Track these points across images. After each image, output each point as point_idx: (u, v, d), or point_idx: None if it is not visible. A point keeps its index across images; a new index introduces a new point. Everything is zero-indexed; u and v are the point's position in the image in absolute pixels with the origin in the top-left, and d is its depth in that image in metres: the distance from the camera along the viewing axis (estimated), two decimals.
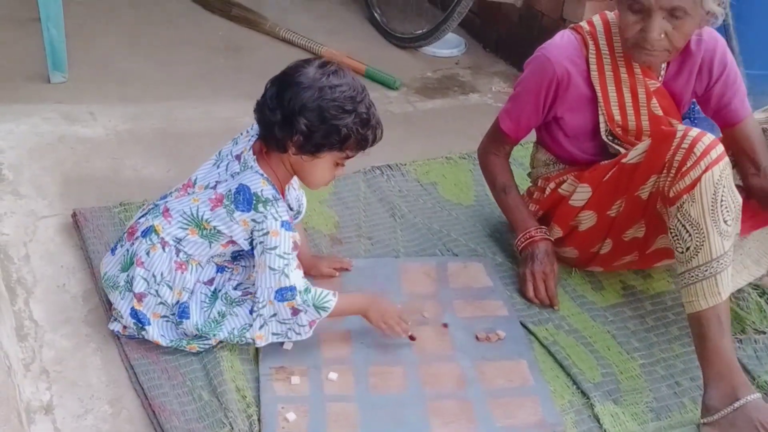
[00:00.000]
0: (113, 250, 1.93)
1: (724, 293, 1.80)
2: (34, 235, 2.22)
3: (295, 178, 1.96)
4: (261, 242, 1.82)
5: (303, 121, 1.75)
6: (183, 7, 3.68)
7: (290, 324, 1.86)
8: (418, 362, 1.92)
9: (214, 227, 1.85)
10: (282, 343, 1.91)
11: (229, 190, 1.83)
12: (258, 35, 3.51)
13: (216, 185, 1.86)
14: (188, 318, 1.85)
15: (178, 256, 1.87)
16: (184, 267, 1.87)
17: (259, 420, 1.74)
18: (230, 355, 1.87)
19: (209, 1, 3.71)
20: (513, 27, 3.48)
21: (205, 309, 1.87)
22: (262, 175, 1.83)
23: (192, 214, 1.86)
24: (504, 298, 2.14)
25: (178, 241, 1.87)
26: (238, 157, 1.87)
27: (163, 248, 1.86)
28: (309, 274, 2.05)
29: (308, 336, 1.88)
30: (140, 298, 1.86)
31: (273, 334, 1.87)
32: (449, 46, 3.55)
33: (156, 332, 1.87)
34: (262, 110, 1.81)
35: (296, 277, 1.83)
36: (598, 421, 1.82)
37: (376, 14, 3.69)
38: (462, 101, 3.20)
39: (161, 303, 1.86)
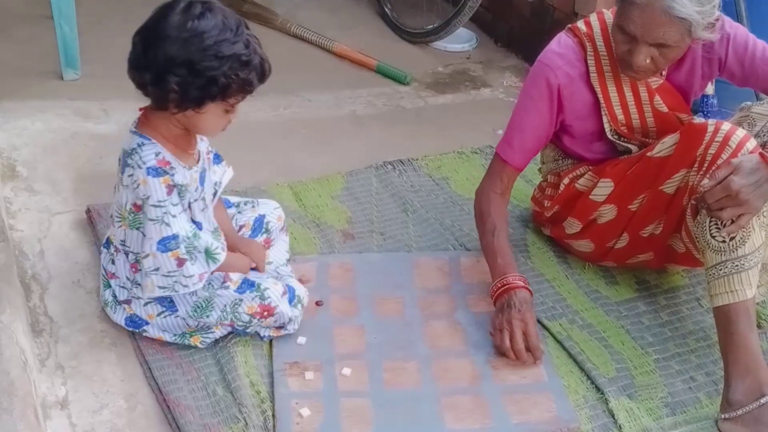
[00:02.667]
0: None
1: (755, 286, 1.79)
2: (49, 231, 2.23)
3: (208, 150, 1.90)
4: (137, 195, 1.73)
5: (173, 78, 1.61)
6: None
7: (176, 276, 1.77)
8: (431, 358, 1.92)
9: (128, 209, 1.77)
10: (296, 339, 1.91)
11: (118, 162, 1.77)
12: (269, 31, 3.50)
13: None
14: (177, 310, 1.84)
15: (128, 257, 1.85)
16: (136, 267, 1.84)
17: (273, 415, 1.74)
18: (244, 351, 1.88)
19: None
20: (524, 21, 3.46)
21: (190, 296, 1.84)
22: (134, 132, 1.74)
23: (117, 204, 1.82)
24: None
25: (123, 242, 1.83)
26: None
27: (117, 254, 1.86)
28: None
29: (197, 287, 1.79)
30: (128, 303, 1.88)
31: (159, 287, 1.78)
32: (460, 40, 3.54)
33: (157, 330, 1.87)
34: (131, 71, 1.67)
35: (178, 224, 1.73)
36: (613, 416, 1.81)
37: (387, 9, 3.68)
38: (473, 96, 3.19)
39: (147, 303, 1.86)
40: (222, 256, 1.81)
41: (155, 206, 1.72)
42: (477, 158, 2.69)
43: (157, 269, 1.76)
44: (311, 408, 1.75)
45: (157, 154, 1.72)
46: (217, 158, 1.96)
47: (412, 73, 3.25)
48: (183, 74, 1.61)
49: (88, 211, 2.27)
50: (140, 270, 1.80)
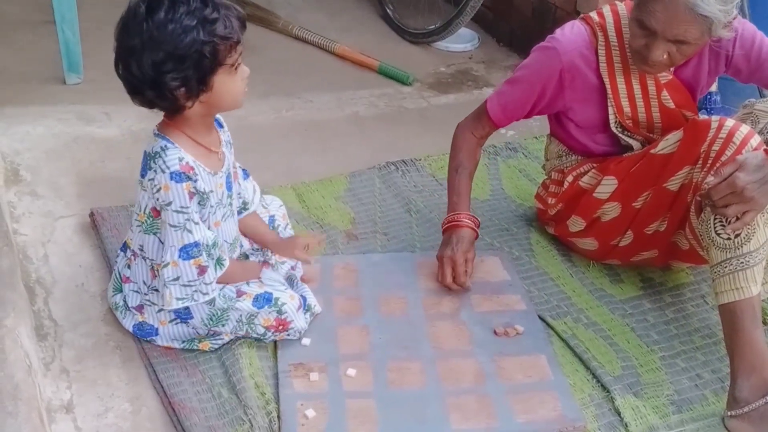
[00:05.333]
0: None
1: (760, 283, 1.79)
2: (52, 235, 2.23)
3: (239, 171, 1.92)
4: (157, 199, 1.71)
5: (167, 76, 1.60)
6: None
7: (196, 285, 1.75)
8: (436, 357, 1.91)
9: (146, 212, 1.77)
10: (300, 340, 1.91)
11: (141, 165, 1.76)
12: (271, 33, 3.51)
13: None
14: (192, 317, 1.83)
15: (146, 262, 1.84)
16: (154, 275, 1.84)
17: (278, 417, 1.74)
18: (249, 352, 1.87)
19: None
20: (526, 20, 3.46)
21: (206, 305, 1.83)
22: (158, 134, 1.73)
23: (137, 206, 1.81)
24: (521, 292, 2.13)
25: (141, 248, 1.82)
26: None
27: (135, 259, 1.85)
28: (283, 256, 2.00)
29: (215, 294, 1.79)
30: (140, 309, 1.87)
31: (177, 299, 1.76)
32: (462, 40, 3.54)
33: (167, 338, 1.87)
34: (133, 98, 1.67)
35: (200, 232, 1.72)
36: (619, 414, 1.80)
37: (388, 10, 3.68)
38: (476, 96, 3.18)
39: (161, 309, 1.85)
40: (226, 263, 1.81)
41: (178, 212, 1.70)
42: (481, 159, 2.68)
43: (176, 278, 1.74)
44: (316, 409, 1.75)
45: (180, 159, 1.70)
46: (245, 174, 1.99)
47: (414, 73, 3.25)
48: (171, 68, 1.59)
49: (91, 215, 2.27)
50: (158, 280, 1.78)
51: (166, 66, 1.59)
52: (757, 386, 1.74)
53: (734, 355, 1.78)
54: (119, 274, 1.92)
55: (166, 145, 1.70)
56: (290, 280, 2.00)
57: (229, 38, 1.64)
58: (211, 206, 1.78)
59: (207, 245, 1.74)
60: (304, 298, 1.94)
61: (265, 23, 3.57)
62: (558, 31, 2.07)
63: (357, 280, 2.13)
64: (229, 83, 1.68)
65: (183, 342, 1.87)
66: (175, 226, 1.71)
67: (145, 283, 1.85)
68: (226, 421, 1.72)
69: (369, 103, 3.06)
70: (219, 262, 1.79)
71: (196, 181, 1.71)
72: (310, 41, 3.45)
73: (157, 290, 1.83)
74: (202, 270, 1.74)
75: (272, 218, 2.10)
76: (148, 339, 1.88)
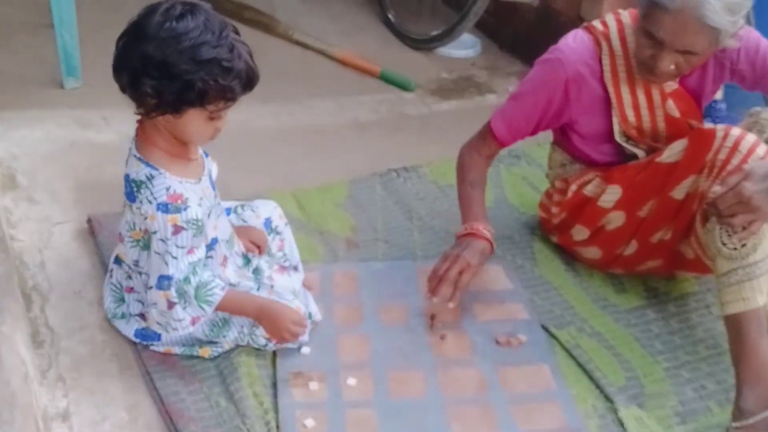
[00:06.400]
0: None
1: (766, 293, 1.77)
2: (49, 241, 2.21)
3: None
4: (145, 225, 1.68)
5: (148, 81, 1.53)
6: None
7: (167, 317, 1.72)
8: (437, 367, 1.89)
9: (141, 230, 1.73)
10: (299, 348, 1.89)
11: (124, 184, 1.70)
12: (271, 38, 3.49)
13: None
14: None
15: (141, 277, 1.82)
16: None
17: (277, 426, 1.72)
18: (247, 360, 1.85)
19: (221, 4, 3.69)
20: (529, 27, 3.45)
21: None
22: (135, 155, 1.68)
23: (128, 224, 1.77)
24: (524, 300, 2.11)
25: (136, 263, 1.80)
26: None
27: (132, 273, 1.83)
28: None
29: (186, 331, 1.76)
30: (143, 316, 1.86)
31: (157, 323, 1.75)
32: (465, 46, 3.52)
33: (168, 342, 1.85)
34: (113, 73, 1.60)
35: (175, 266, 1.67)
36: (623, 425, 1.78)
37: (390, 16, 3.67)
38: (478, 102, 3.17)
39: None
40: (217, 296, 1.73)
41: (161, 241, 1.67)
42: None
43: (155, 304, 1.72)
44: (316, 419, 1.73)
45: (167, 189, 1.65)
46: (205, 153, 1.91)
47: (416, 79, 3.23)
48: (157, 76, 1.53)
49: (89, 221, 2.25)
50: (146, 293, 1.76)
51: (154, 71, 1.54)
52: (763, 397, 1.72)
53: (739, 365, 1.77)
54: (119, 284, 1.89)
55: (151, 174, 1.66)
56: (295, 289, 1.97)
57: (228, 95, 1.59)
58: (208, 217, 1.76)
59: (178, 280, 1.69)
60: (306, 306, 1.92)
61: (265, 28, 3.55)
62: (561, 41, 2.05)
63: (357, 288, 2.11)
64: (199, 123, 1.63)
65: (183, 347, 1.85)
66: (158, 254, 1.69)
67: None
68: (224, 430, 1.70)
69: (370, 109, 3.05)
70: (201, 298, 1.72)
71: (186, 208, 1.66)
72: (310, 46, 3.43)
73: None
74: (170, 304, 1.71)
75: (268, 221, 2.06)
76: (148, 343, 1.85)
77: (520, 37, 3.51)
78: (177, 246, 1.67)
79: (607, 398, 1.85)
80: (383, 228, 2.36)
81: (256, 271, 1.93)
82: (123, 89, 1.62)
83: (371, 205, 2.45)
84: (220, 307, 1.77)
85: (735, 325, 1.78)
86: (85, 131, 2.72)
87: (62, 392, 1.78)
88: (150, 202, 1.65)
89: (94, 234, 2.21)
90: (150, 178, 1.66)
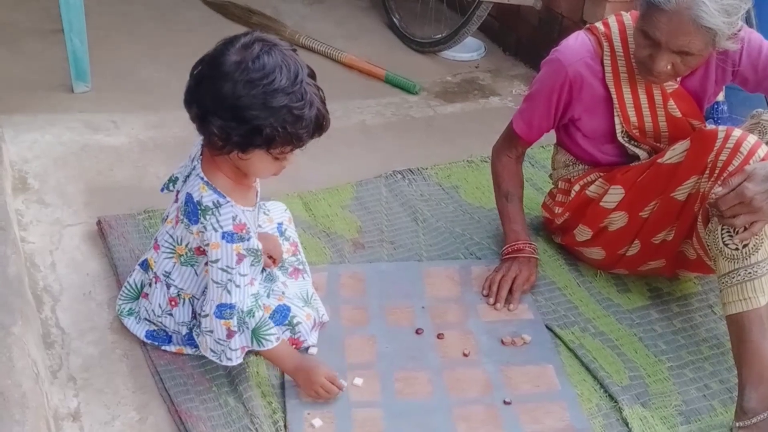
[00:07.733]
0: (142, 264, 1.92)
1: (767, 293, 1.78)
2: (60, 243, 2.23)
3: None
4: (205, 253, 1.68)
5: (217, 120, 1.52)
6: (203, 16, 3.70)
7: (224, 346, 1.72)
8: (442, 367, 1.91)
9: (188, 248, 1.73)
10: (307, 349, 1.91)
11: (182, 202, 1.68)
12: None
13: (178, 196, 1.74)
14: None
15: (169, 290, 1.82)
16: (174, 302, 1.82)
17: (285, 426, 1.74)
18: (255, 361, 1.87)
19: (229, 9, 3.72)
20: (532, 30, 3.46)
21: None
22: (202, 179, 1.66)
23: (173, 237, 1.76)
24: (529, 301, 2.12)
25: (167, 274, 1.80)
26: (192, 159, 1.73)
27: (156, 283, 1.83)
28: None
29: (237, 362, 1.75)
30: (151, 322, 1.89)
31: (211, 350, 1.74)
32: (469, 50, 3.54)
33: (179, 342, 1.87)
34: (184, 103, 1.59)
35: (239, 296, 1.67)
36: (627, 424, 1.79)
37: (395, 19, 3.69)
38: (482, 105, 3.19)
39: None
40: (271, 343, 1.73)
41: (223, 270, 1.65)
42: (486, 166, 2.67)
43: (211, 332, 1.71)
44: (323, 419, 1.75)
45: (234, 218, 1.64)
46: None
47: (420, 82, 3.25)
48: (227, 118, 1.52)
49: (99, 223, 2.28)
50: (200, 320, 1.75)
51: (224, 112, 1.52)
52: (765, 397, 1.73)
53: (742, 365, 1.78)
54: (137, 285, 1.91)
55: (218, 201, 1.64)
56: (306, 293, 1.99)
57: (296, 142, 1.57)
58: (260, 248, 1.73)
59: (241, 311, 1.68)
60: (316, 311, 1.94)
61: (272, 32, 3.57)
62: (562, 42, 2.08)
63: (364, 289, 2.13)
64: (264, 163, 1.62)
65: (195, 347, 1.86)
66: (217, 283, 1.67)
67: (160, 307, 1.84)
68: (233, 430, 1.72)
69: (376, 112, 3.06)
70: (258, 336, 1.71)
71: (249, 239, 1.66)
72: (316, 50, 3.45)
73: (171, 314, 1.83)
74: (230, 333, 1.70)
75: (280, 225, 2.09)
76: (159, 344, 1.88)
77: (524, 40, 3.53)
78: (240, 274, 1.66)
79: (611, 398, 1.86)
80: (389, 229, 2.38)
81: (269, 278, 1.95)
82: (192, 120, 1.61)
83: (377, 207, 2.47)
84: (263, 353, 1.77)
85: (737, 325, 1.79)
86: (94, 135, 2.74)
87: (73, 392, 1.80)
88: (215, 230, 1.63)
89: (104, 236, 2.23)
90: (217, 205, 1.63)
